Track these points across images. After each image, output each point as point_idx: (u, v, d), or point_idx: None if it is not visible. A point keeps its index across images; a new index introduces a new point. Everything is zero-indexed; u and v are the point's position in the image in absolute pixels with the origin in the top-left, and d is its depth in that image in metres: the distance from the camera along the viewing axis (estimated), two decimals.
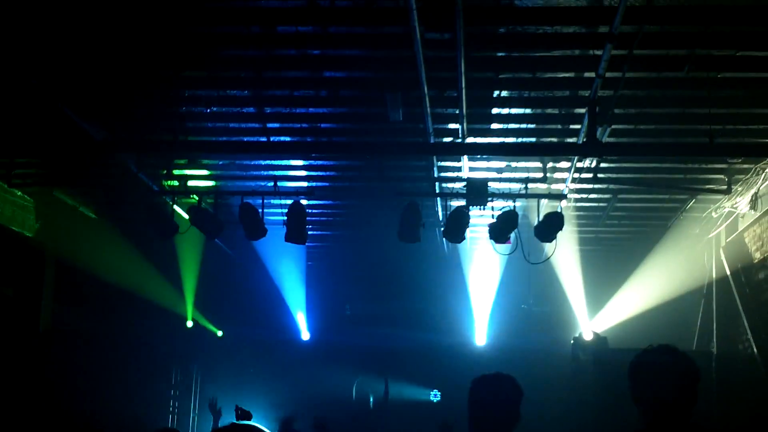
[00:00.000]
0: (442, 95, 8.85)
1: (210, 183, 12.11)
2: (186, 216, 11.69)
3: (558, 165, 11.05)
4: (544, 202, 11.70)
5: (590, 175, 11.01)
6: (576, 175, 11.12)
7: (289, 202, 11.40)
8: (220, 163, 11.50)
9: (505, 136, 9.97)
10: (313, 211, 13.35)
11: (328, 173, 12.03)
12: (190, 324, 16.31)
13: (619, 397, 4.05)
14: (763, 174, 10.77)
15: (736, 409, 12.19)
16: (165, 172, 11.36)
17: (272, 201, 11.76)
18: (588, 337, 14.46)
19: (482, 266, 14.98)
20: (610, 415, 11.71)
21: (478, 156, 10.70)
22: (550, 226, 11.08)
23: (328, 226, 14.79)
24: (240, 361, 16.71)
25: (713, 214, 12.80)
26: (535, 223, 11.34)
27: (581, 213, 13.27)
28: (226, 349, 17.01)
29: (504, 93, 8.98)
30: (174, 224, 11.53)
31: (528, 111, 9.44)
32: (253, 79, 8.81)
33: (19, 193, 12.56)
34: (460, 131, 9.56)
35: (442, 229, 11.78)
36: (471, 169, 11.06)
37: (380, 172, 10.99)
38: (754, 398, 11.65)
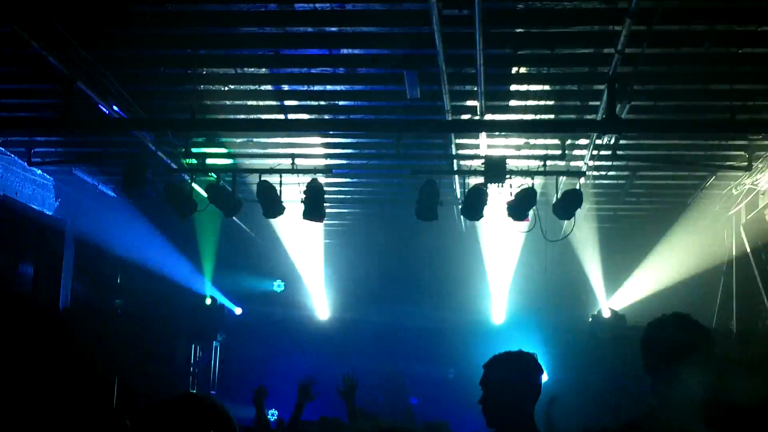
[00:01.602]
0: (460, 72, 8.81)
1: (228, 161, 12.13)
2: (204, 194, 11.72)
3: (577, 142, 10.99)
4: (562, 179, 11.64)
5: (609, 152, 10.94)
6: (595, 152, 11.06)
7: (307, 179, 11.43)
8: (238, 140, 11.51)
9: (524, 113, 9.93)
10: (331, 189, 13.35)
11: (345, 151, 12.02)
12: (208, 301, 16.39)
13: (637, 374, 4.03)
14: None
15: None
16: (183, 150, 11.39)
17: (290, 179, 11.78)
18: (606, 314, 14.46)
19: (500, 244, 14.96)
20: (628, 393, 11.73)
21: (497, 133, 10.66)
22: (569, 204, 11.05)
23: (345, 204, 14.81)
24: (259, 338, 16.80)
25: (733, 191, 12.70)
26: (554, 200, 11.31)
27: (600, 190, 13.20)
28: (245, 326, 17.10)
29: (522, 70, 8.93)
30: (192, 202, 11.58)
31: (546, 88, 9.39)
32: (270, 56, 8.80)
33: (39, 171, 12.63)
34: (478, 108, 9.53)
35: (460, 206, 11.77)
36: (489, 146, 11.02)
37: (398, 149, 10.97)
38: None
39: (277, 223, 13.15)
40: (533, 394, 4.03)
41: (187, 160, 11.74)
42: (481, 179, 10.97)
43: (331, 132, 11.20)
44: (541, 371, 4.10)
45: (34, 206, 12.54)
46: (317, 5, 7.66)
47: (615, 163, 11.55)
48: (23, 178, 12.30)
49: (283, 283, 17.39)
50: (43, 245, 12.84)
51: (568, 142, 10.93)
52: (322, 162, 12.13)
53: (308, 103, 10.08)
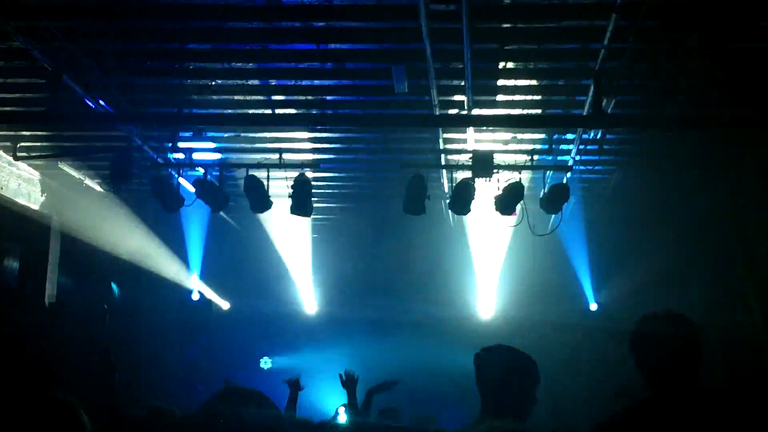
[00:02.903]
0: (447, 67, 8.81)
1: (215, 156, 12.11)
2: (191, 189, 11.70)
3: (564, 136, 11.02)
4: (549, 173, 11.66)
5: (596, 147, 10.97)
6: (582, 147, 11.09)
7: (295, 174, 11.41)
8: (225, 135, 11.49)
9: (511, 108, 9.95)
10: (319, 183, 13.34)
11: (333, 146, 12.02)
12: (196, 296, 16.36)
13: (626, 368, 4.06)
14: None
15: (741, 377, 12.23)
16: (170, 144, 11.36)
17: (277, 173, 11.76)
18: (594, 308, 14.51)
19: (488, 238, 14.97)
20: (615, 385, 11.79)
21: (484, 128, 10.68)
22: (556, 198, 11.08)
23: (333, 199, 14.80)
24: (246, 333, 16.80)
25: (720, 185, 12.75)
26: (541, 194, 11.34)
27: (587, 185, 13.24)
28: (233, 321, 17.08)
29: (509, 65, 8.95)
30: (179, 197, 11.56)
31: (534, 82, 9.42)
32: (257, 51, 8.79)
33: (25, 165, 12.57)
34: (465, 103, 9.54)
35: (448, 201, 11.78)
36: (476, 141, 11.04)
37: (385, 144, 10.98)
38: (759, 367, 11.68)
39: (264, 218, 13.13)
40: (525, 393, 4.03)
41: (174, 155, 11.71)
42: (468, 174, 10.98)
43: (318, 127, 11.19)
44: (535, 376, 4.11)
45: (20, 200, 12.49)
46: (305, 0, 7.65)
47: (602, 157, 11.60)
48: (9, 172, 12.25)
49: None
50: (29, 240, 12.79)
51: (555, 136, 10.97)
52: (310, 157, 12.12)
53: (296, 97, 10.07)
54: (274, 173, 11.56)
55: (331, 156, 12.36)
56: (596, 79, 8.55)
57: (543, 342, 13.94)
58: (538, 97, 9.77)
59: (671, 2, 7.48)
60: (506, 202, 11.14)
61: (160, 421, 5.99)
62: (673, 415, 3.61)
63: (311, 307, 17.24)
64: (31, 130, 11.62)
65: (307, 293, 17.12)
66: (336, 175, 13.51)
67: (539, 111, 10.11)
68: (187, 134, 11.30)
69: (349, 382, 8.11)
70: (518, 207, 11.27)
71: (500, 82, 9.37)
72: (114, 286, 15.85)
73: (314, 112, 10.42)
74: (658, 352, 3.74)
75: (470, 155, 10.91)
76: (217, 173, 11.85)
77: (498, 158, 10.92)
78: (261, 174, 11.45)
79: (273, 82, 9.67)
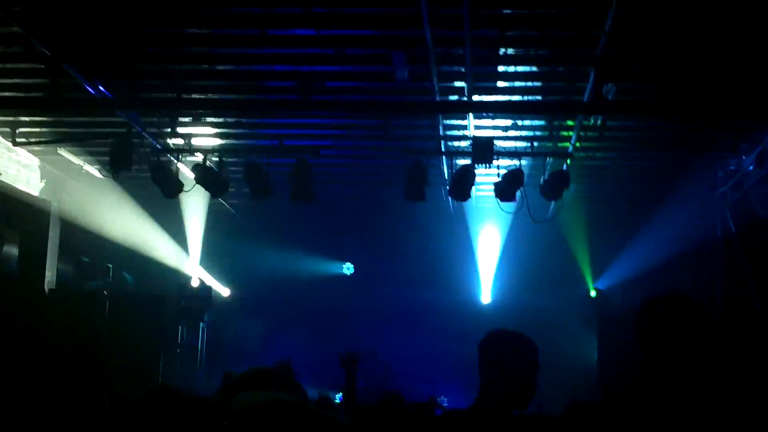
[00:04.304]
0: (447, 53, 8.79)
1: (215, 141, 12.09)
2: (191, 174, 11.69)
3: (564, 123, 11.01)
4: (549, 160, 11.66)
5: (596, 134, 10.96)
6: (582, 133, 11.08)
7: (295, 160, 11.40)
8: (225, 121, 11.47)
9: (511, 94, 9.94)
10: (319, 169, 13.31)
11: (333, 132, 12.00)
12: (195, 282, 16.35)
13: (624, 353, 4.05)
14: None
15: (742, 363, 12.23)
16: (169, 130, 11.34)
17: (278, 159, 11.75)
18: (592, 294, 14.52)
19: (488, 224, 14.99)
20: (614, 371, 11.81)
21: (484, 114, 10.66)
22: (556, 185, 11.08)
23: (333, 185, 14.77)
24: (246, 319, 16.83)
25: (719, 172, 12.75)
26: (541, 181, 11.33)
27: (587, 171, 13.23)
28: (232, 307, 17.10)
29: (510, 51, 8.92)
30: (179, 183, 11.55)
31: (534, 69, 9.40)
32: (258, 36, 8.76)
33: (24, 151, 12.54)
34: (465, 89, 9.52)
35: (448, 187, 11.78)
36: (477, 127, 11.03)
37: (386, 130, 10.96)
38: (759, 358, 11.69)
39: (263, 203, 13.12)
40: (525, 379, 3.97)
41: (174, 141, 11.69)
42: (468, 160, 10.98)
43: (319, 113, 11.17)
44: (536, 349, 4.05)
45: (19, 186, 12.47)
46: None
47: (602, 144, 11.58)
48: (8, 158, 12.23)
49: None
50: (28, 226, 12.77)
51: (556, 123, 10.95)
52: (310, 143, 12.10)
53: (296, 83, 10.03)
54: (274, 159, 11.57)
55: (332, 142, 12.34)
56: (597, 66, 8.54)
57: (542, 328, 13.95)
58: (539, 84, 9.76)
59: None
60: (506, 188, 11.14)
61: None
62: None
63: (312, 293, 17.21)
64: (31, 116, 11.60)
65: (307, 280, 17.09)
66: (336, 161, 13.49)
67: (539, 97, 10.09)
68: (187, 120, 11.29)
69: (349, 363, 7.96)
70: (518, 193, 11.28)
71: (501, 69, 9.35)
72: (127, 275, 15.85)
73: (314, 98, 10.39)
74: (663, 333, 3.67)
75: (470, 141, 10.90)
76: (217, 159, 11.84)
77: (498, 144, 10.92)
78: (261, 160, 11.44)
79: (273, 68, 9.65)
